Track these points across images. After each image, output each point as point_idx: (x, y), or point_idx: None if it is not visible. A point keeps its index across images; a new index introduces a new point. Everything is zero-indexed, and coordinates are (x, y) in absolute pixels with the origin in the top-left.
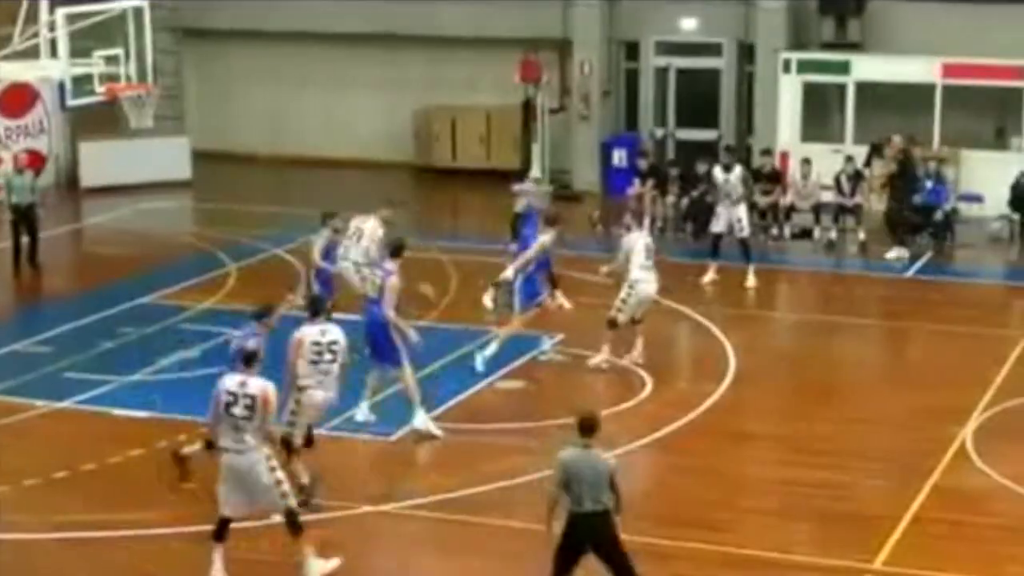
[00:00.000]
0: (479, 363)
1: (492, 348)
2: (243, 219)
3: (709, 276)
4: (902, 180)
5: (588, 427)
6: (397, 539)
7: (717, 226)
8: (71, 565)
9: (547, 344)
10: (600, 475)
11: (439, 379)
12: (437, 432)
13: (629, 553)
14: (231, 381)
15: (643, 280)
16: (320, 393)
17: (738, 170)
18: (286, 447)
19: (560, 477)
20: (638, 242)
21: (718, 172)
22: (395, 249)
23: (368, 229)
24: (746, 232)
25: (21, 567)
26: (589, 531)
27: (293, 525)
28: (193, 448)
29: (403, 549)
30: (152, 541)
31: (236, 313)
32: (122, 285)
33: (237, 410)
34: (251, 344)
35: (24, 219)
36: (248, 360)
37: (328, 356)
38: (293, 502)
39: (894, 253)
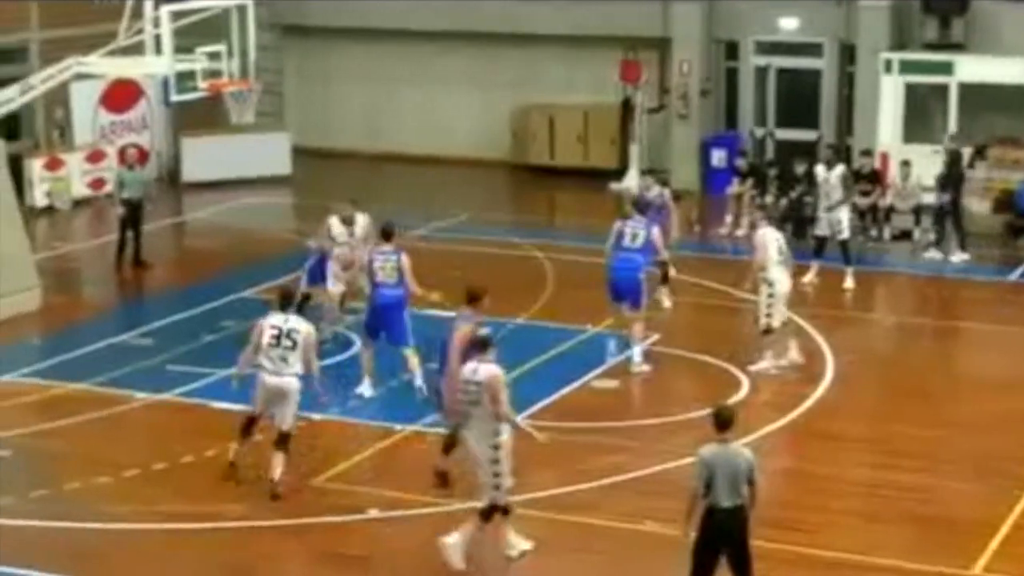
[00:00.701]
0: (636, 363)
1: (638, 348)
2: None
3: (808, 277)
4: None
5: (725, 422)
6: (489, 536)
7: (820, 229)
8: (170, 556)
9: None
10: (739, 470)
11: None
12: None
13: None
14: (468, 369)
15: (779, 280)
16: (272, 379)
17: (840, 168)
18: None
19: (703, 474)
20: (770, 239)
21: (820, 170)
22: (386, 232)
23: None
24: (846, 234)
25: (123, 557)
26: (727, 526)
27: None
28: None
29: (495, 546)
30: (248, 533)
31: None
32: (222, 279)
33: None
34: (482, 332)
35: (133, 215)
36: (484, 346)
37: (287, 343)
38: None
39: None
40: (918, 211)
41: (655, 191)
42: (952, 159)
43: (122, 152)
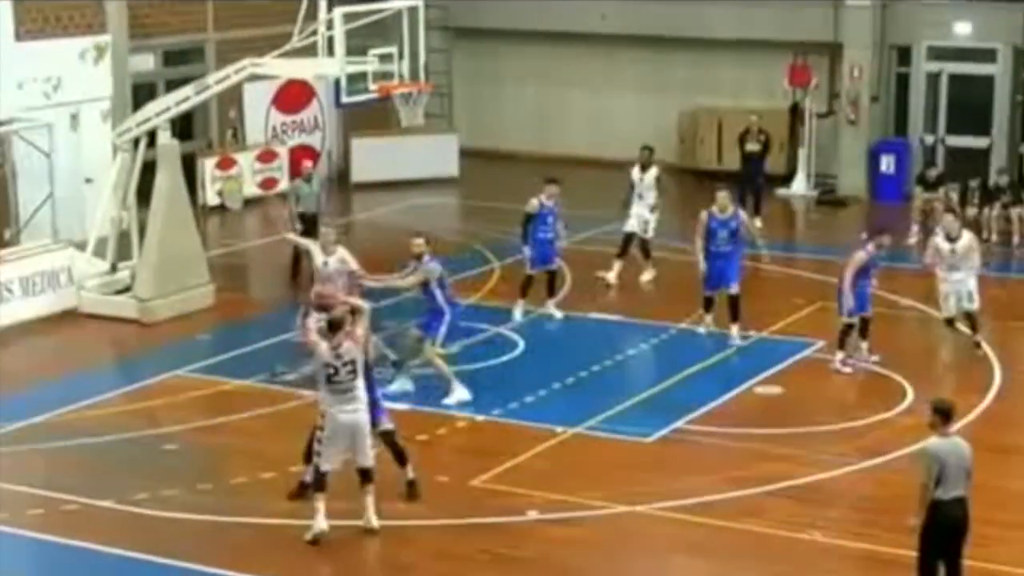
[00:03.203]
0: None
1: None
2: (508, 217)
3: None
4: None
5: (949, 414)
6: (651, 540)
7: None
8: (332, 553)
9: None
10: (965, 461)
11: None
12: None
13: None
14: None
15: (943, 279)
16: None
17: None
18: None
19: (934, 469)
20: (939, 244)
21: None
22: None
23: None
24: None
25: (284, 553)
26: (957, 517)
27: None
28: None
29: (657, 550)
30: (409, 532)
31: (499, 310)
32: None
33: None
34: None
35: (309, 227)
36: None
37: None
38: None
39: None
40: None
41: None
42: None
43: (302, 164)
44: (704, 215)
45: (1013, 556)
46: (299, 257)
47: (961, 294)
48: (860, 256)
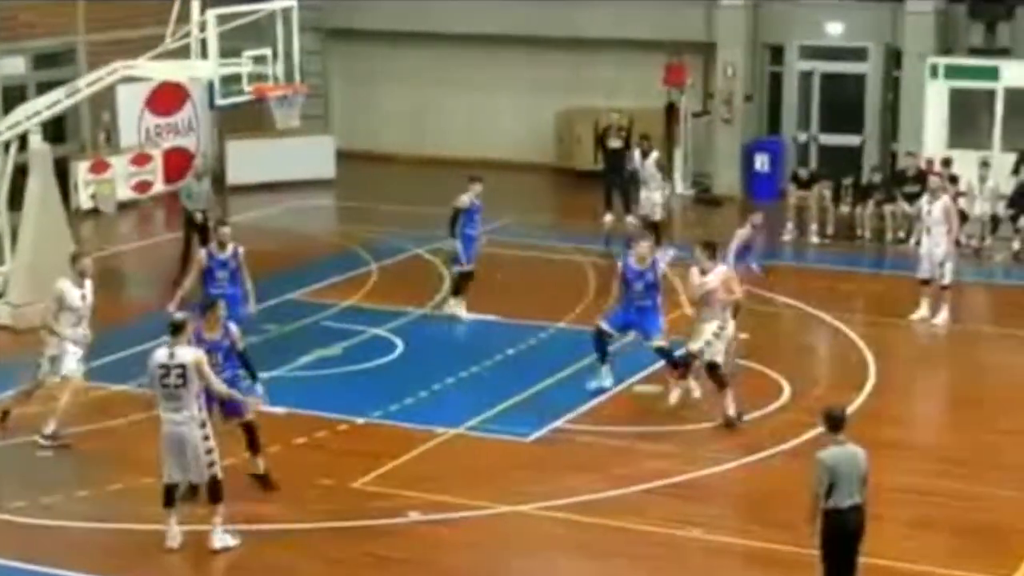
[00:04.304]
0: None
1: None
2: (385, 218)
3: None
4: None
5: (840, 422)
6: (533, 540)
7: None
8: (211, 557)
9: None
10: (860, 468)
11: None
12: None
13: None
14: (164, 354)
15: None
16: None
17: None
18: None
19: (825, 478)
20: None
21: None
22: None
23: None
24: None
25: (165, 559)
26: (853, 525)
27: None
28: None
29: (539, 550)
30: (288, 535)
31: (377, 312)
32: (266, 282)
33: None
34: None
35: (199, 225)
36: (178, 329)
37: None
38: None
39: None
40: (995, 218)
41: None
42: None
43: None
44: (619, 264)
45: (883, 548)
46: (188, 256)
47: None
48: (740, 233)
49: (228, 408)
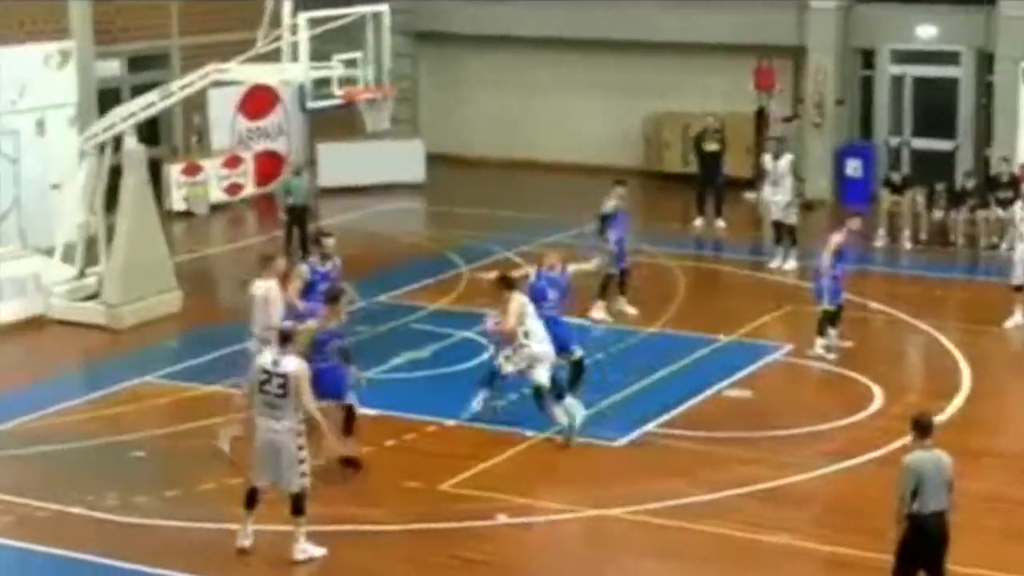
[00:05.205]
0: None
1: None
2: (474, 222)
3: None
4: None
5: (927, 427)
6: (620, 544)
7: None
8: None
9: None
10: (945, 475)
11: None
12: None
13: None
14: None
15: None
16: None
17: None
18: None
19: (911, 483)
20: None
21: None
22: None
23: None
24: None
25: (253, 558)
26: (936, 531)
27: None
28: None
29: (626, 554)
30: (376, 537)
31: (467, 315)
32: (356, 284)
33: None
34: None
35: (298, 219)
36: (286, 339)
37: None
38: None
39: None
40: None
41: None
42: None
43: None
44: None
45: (970, 557)
46: (289, 248)
47: None
48: (835, 239)
49: (328, 388)
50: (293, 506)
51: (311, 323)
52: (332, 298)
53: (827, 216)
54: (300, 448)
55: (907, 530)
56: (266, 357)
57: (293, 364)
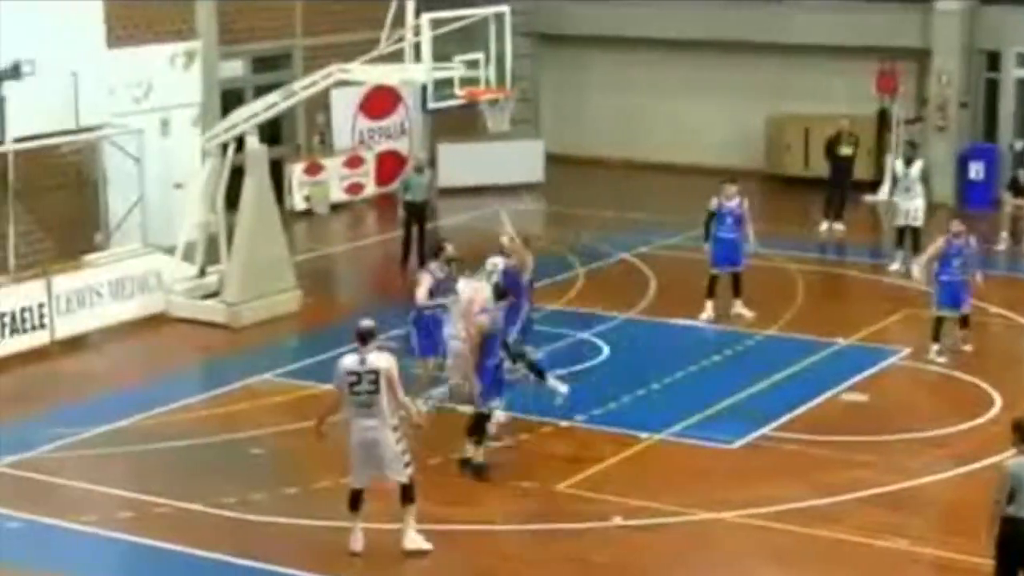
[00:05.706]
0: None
1: None
2: (593, 223)
3: None
4: None
5: None
6: (734, 547)
7: None
8: (414, 557)
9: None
10: None
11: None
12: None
13: None
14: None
15: None
16: None
17: None
18: None
19: (1006, 486)
20: None
21: None
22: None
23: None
24: None
25: (368, 557)
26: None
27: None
28: None
29: (739, 557)
30: (491, 537)
31: (584, 315)
32: None
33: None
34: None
35: (417, 216)
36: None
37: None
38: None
39: None
40: None
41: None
42: None
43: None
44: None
45: None
46: (408, 244)
47: None
48: (937, 244)
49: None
50: (403, 495)
51: (483, 319)
52: (500, 295)
53: (948, 220)
54: (398, 440)
55: (1001, 534)
56: (349, 359)
57: (382, 359)
